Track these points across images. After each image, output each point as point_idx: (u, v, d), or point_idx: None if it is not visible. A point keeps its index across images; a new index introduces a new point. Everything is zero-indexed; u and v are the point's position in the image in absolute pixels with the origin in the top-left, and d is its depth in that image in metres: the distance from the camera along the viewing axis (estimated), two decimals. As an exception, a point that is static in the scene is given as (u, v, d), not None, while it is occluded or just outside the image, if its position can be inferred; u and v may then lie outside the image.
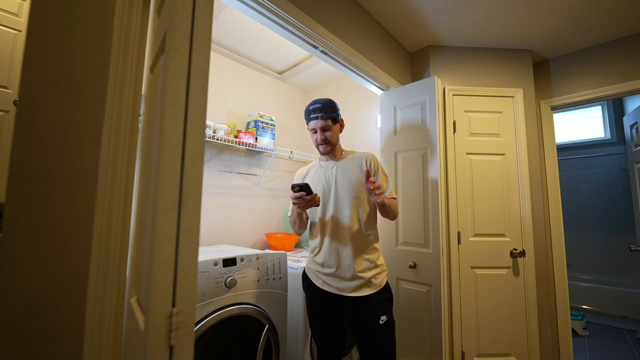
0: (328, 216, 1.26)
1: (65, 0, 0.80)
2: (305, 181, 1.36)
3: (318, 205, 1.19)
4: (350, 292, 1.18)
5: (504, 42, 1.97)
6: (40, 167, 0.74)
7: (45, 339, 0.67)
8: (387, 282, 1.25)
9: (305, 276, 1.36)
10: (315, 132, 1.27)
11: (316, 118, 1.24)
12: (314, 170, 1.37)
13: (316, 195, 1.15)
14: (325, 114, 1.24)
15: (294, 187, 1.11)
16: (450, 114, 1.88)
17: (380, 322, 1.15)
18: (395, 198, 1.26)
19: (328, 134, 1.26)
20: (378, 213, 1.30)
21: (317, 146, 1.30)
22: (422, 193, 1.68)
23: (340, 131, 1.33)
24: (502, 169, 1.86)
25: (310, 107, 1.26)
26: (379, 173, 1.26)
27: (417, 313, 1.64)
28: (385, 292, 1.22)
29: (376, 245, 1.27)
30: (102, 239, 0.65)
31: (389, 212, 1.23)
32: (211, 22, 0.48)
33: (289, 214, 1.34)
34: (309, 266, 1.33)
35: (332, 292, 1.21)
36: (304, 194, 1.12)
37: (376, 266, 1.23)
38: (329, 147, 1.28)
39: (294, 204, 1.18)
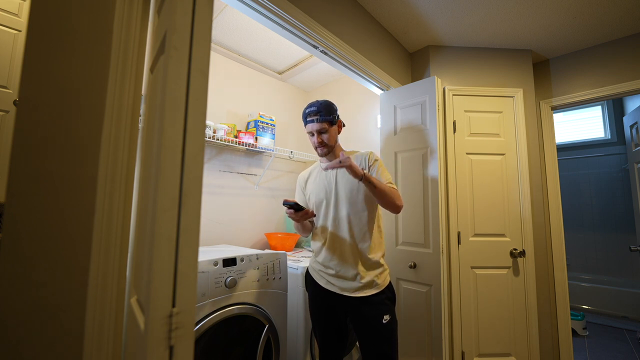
0: (330, 217, 1.26)
1: (65, 1, 0.80)
2: (308, 184, 1.38)
3: (313, 217, 1.21)
4: (354, 292, 1.19)
5: (504, 42, 1.97)
6: (40, 167, 0.74)
7: (45, 338, 0.67)
8: (389, 281, 1.25)
9: (308, 276, 1.36)
10: (313, 135, 1.27)
11: (312, 121, 1.24)
12: (316, 172, 1.38)
13: (308, 210, 1.17)
14: (321, 117, 1.23)
15: (285, 205, 1.14)
16: (450, 114, 1.88)
17: (383, 322, 1.15)
18: (394, 188, 1.23)
19: (324, 136, 1.25)
20: (380, 213, 1.30)
21: (315, 149, 1.31)
22: (422, 193, 1.68)
23: (339, 132, 1.33)
24: (502, 169, 1.86)
25: (306, 111, 1.27)
26: (377, 165, 1.25)
27: (417, 313, 1.64)
28: (388, 292, 1.23)
29: (379, 245, 1.27)
30: (102, 239, 0.65)
31: (384, 196, 1.17)
32: (211, 22, 0.48)
33: None
34: (313, 266, 1.33)
35: (336, 291, 1.21)
36: (293, 211, 1.15)
37: (379, 266, 1.23)
38: (326, 150, 1.28)
39: (289, 217, 1.20)
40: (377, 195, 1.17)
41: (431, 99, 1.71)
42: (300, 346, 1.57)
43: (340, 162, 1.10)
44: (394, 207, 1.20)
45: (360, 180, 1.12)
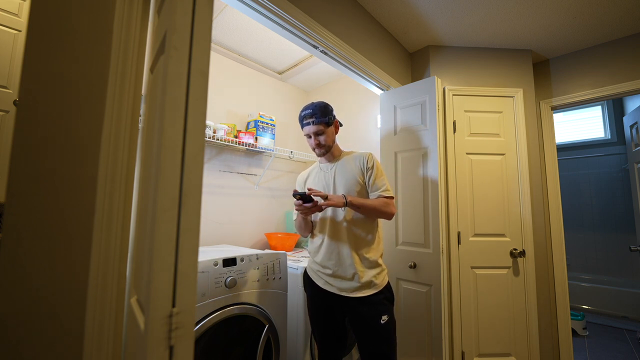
0: (327, 217, 1.26)
1: (65, 1, 0.80)
2: (307, 184, 1.38)
3: (321, 211, 1.20)
4: (352, 292, 1.18)
5: (504, 42, 1.97)
6: (40, 167, 0.74)
7: (45, 338, 0.67)
8: (388, 281, 1.25)
9: (306, 276, 1.36)
10: (310, 137, 1.29)
11: (308, 124, 1.26)
12: (315, 172, 1.38)
13: (317, 202, 1.15)
14: (317, 119, 1.25)
15: (295, 195, 1.14)
16: (450, 114, 1.88)
17: (382, 322, 1.15)
18: (388, 197, 1.24)
19: (321, 138, 1.27)
20: None
21: (313, 150, 1.32)
22: (422, 193, 1.68)
23: (336, 132, 1.34)
24: (502, 169, 1.86)
25: (302, 113, 1.28)
26: (374, 170, 1.26)
27: (417, 313, 1.64)
28: (387, 292, 1.23)
29: (377, 244, 1.27)
30: (102, 239, 0.65)
31: (371, 212, 1.21)
32: (211, 22, 0.48)
33: (294, 217, 1.35)
34: (311, 266, 1.33)
35: (334, 292, 1.21)
36: (301, 203, 1.15)
37: (377, 266, 1.23)
38: (324, 150, 1.30)
39: (297, 210, 1.19)
40: (364, 213, 1.23)
41: (431, 99, 1.70)
42: (300, 346, 1.57)
43: (324, 201, 1.15)
44: (385, 217, 1.24)
45: (345, 206, 1.18)
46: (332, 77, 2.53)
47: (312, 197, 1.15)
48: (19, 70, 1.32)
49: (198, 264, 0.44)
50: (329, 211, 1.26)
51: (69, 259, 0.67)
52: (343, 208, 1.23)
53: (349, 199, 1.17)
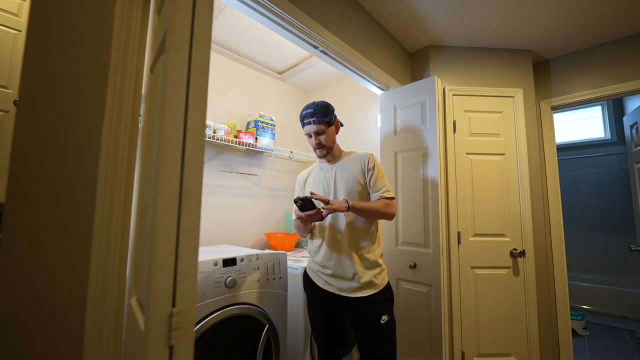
0: (328, 217, 1.26)
1: (65, 1, 0.80)
2: (307, 184, 1.38)
3: (322, 219, 1.19)
4: (352, 292, 1.18)
5: (504, 42, 1.97)
6: (40, 167, 0.74)
7: (45, 338, 0.67)
8: (388, 281, 1.25)
9: (306, 276, 1.36)
10: (311, 136, 1.28)
11: (309, 123, 1.25)
12: (315, 172, 1.38)
13: (319, 210, 1.15)
14: (318, 118, 1.24)
15: (297, 201, 1.13)
16: (450, 114, 1.88)
17: (382, 322, 1.15)
18: (389, 198, 1.24)
19: (322, 137, 1.26)
20: None
21: (314, 150, 1.31)
22: (422, 193, 1.68)
23: (337, 132, 1.34)
24: (502, 169, 1.86)
25: (303, 112, 1.28)
26: (375, 171, 1.26)
27: (417, 313, 1.64)
28: (387, 292, 1.23)
29: (377, 244, 1.27)
30: (102, 239, 0.65)
31: (373, 215, 1.22)
32: (211, 22, 0.48)
33: (293, 217, 1.35)
34: (310, 266, 1.33)
35: (334, 292, 1.21)
36: (302, 216, 1.15)
37: (377, 266, 1.23)
38: (325, 150, 1.29)
39: (298, 218, 1.18)
40: (366, 217, 1.23)
41: (431, 99, 1.70)
42: (300, 346, 1.57)
43: (326, 208, 1.15)
44: (387, 217, 1.24)
45: (347, 211, 1.17)
46: (332, 77, 2.53)
47: (314, 202, 1.14)
48: (19, 70, 1.32)
49: (198, 264, 0.44)
50: None
51: (69, 259, 0.67)
52: (345, 213, 1.22)
53: (350, 203, 1.16)
